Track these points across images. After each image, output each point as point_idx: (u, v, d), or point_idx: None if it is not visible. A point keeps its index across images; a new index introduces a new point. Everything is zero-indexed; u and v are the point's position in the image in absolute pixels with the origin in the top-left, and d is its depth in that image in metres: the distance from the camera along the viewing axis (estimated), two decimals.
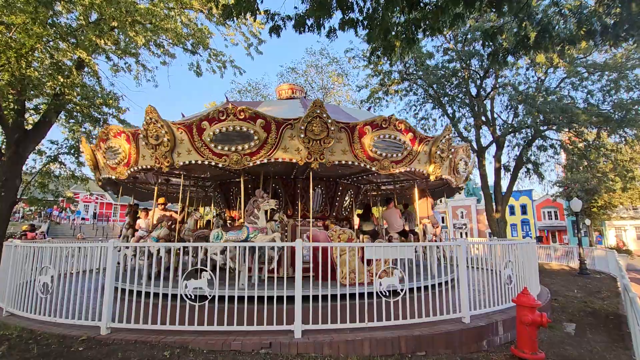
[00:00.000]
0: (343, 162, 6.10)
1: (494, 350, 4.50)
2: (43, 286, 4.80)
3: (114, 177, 7.16)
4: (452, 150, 7.40)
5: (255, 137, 5.69)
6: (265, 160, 5.86)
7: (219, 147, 5.75)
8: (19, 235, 13.13)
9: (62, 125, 13.17)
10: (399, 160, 6.43)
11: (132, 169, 6.63)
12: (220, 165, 5.90)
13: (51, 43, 10.20)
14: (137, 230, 8.22)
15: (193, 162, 5.94)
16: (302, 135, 5.66)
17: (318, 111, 5.55)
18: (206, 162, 5.90)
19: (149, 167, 6.40)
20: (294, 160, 5.90)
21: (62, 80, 9.71)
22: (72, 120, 12.89)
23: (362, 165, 6.19)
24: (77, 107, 11.89)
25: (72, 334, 4.28)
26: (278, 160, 5.91)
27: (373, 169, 6.27)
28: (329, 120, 5.63)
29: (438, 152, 6.75)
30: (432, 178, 7.01)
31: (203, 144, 5.81)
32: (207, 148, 5.81)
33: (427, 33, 4.32)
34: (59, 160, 13.29)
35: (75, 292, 4.98)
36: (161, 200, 8.71)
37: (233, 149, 5.73)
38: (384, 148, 6.20)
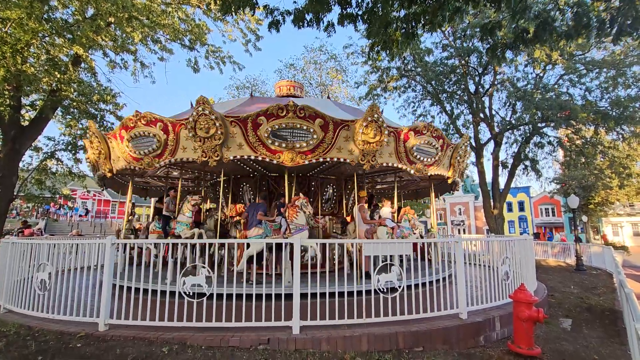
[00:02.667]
0: (390, 164, 6.44)
1: (491, 345, 4.53)
2: (41, 283, 4.79)
3: (135, 168, 6.62)
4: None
5: (315, 136, 5.80)
6: (169, 161, 6.02)
7: (276, 144, 5.78)
8: (15, 232, 13.07)
9: (59, 121, 13.10)
10: (430, 164, 6.91)
11: (167, 161, 6.25)
12: (274, 161, 5.90)
13: (47, 38, 10.12)
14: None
15: (245, 157, 5.92)
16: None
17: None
18: (259, 158, 5.90)
19: (190, 159, 6.14)
20: (347, 160, 6.08)
21: (58, 76, 9.64)
22: (69, 117, 12.82)
23: (404, 168, 6.60)
24: (74, 103, 11.83)
25: (70, 330, 4.28)
26: (327, 160, 6.08)
27: (412, 171, 6.68)
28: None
29: (458, 158, 7.39)
30: (449, 181, 7.72)
31: (257, 139, 5.80)
32: (261, 144, 5.81)
33: (427, 28, 4.30)
34: (56, 156, 13.23)
35: (73, 288, 4.98)
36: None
37: (290, 146, 5.78)
38: (421, 152, 6.69)
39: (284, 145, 5.76)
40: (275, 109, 5.65)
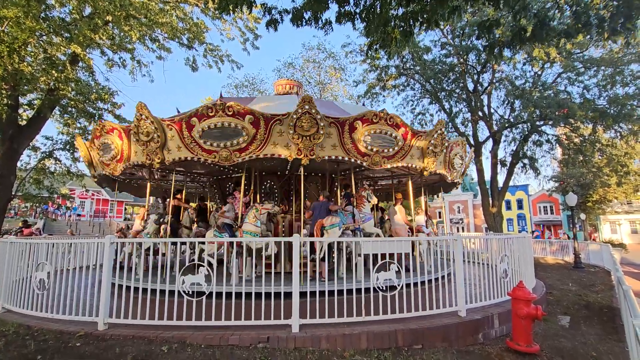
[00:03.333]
0: (333, 157, 6.08)
1: (489, 343, 4.55)
2: (39, 282, 4.78)
3: (107, 173, 7.18)
4: (446, 144, 7.38)
5: (244, 133, 5.68)
6: (254, 156, 5.86)
7: (208, 144, 5.76)
8: (15, 231, 13.02)
9: (57, 120, 13.05)
10: (391, 155, 6.40)
11: (124, 165, 6.63)
12: (209, 161, 5.92)
13: (44, 37, 10.07)
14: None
15: (183, 158, 5.96)
16: (292, 131, 5.64)
17: (307, 107, 5.53)
18: (195, 159, 5.92)
19: (140, 163, 6.40)
20: (283, 156, 5.88)
21: (56, 75, 9.60)
22: (67, 116, 12.77)
23: (353, 160, 6.17)
24: (72, 103, 11.78)
25: (69, 329, 4.27)
26: (267, 156, 5.90)
27: (364, 164, 6.24)
28: (319, 116, 5.61)
29: (431, 147, 6.70)
30: (426, 173, 6.98)
31: (192, 140, 5.82)
32: (196, 144, 5.83)
33: (425, 26, 4.30)
34: (54, 156, 13.18)
35: (72, 288, 4.97)
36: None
37: (222, 145, 5.74)
38: (375, 143, 6.14)
39: (215, 144, 5.76)
40: (205, 109, 5.68)
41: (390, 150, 6.33)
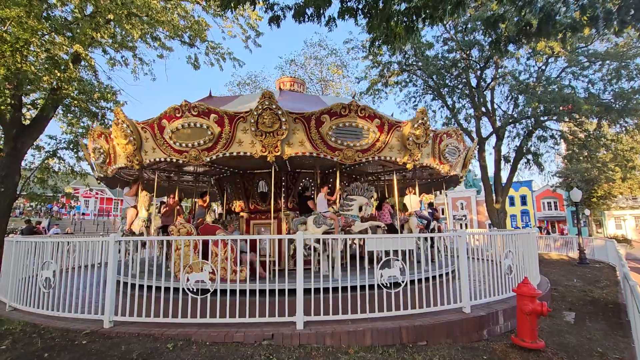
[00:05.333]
0: (301, 153, 5.94)
1: (494, 339, 4.54)
2: (45, 281, 4.82)
3: (102, 175, 7.49)
4: (432, 135, 6.92)
5: (210, 132, 5.72)
6: (221, 155, 5.89)
7: (178, 144, 5.86)
8: (26, 230, 13.01)
9: (60, 120, 13.10)
10: (365, 149, 6.09)
11: (113, 167, 6.88)
12: (180, 161, 6.01)
13: (46, 37, 10.08)
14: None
15: (158, 159, 6.09)
16: (254, 128, 5.61)
17: (267, 102, 5.47)
18: (169, 159, 6.02)
19: (123, 165, 6.55)
20: (249, 154, 5.86)
21: (58, 74, 9.61)
22: (70, 115, 12.81)
23: (323, 156, 5.98)
24: (75, 102, 11.80)
25: (75, 327, 4.30)
26: (233, 155, 5.90)
27: (335, 159, 6.02)
28: (280, 112, 5.55)
29: (412, 138, 6.22)
30: (409, 166, 6.55)
31: (164, 142, 5.92)
32: (168, 145, 5.92)
33: (428, 21, 4.26)
34: (58, 155, 13.24)
35: (78, 286, 5.01)
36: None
37: (190, 144, 5.81)
38: (345, 137, 5.90)
39: (184, 144, 5.87)
40: (172, 110, 5.78)
41: (364, 143, 6.03)
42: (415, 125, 6.19)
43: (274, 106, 5.49)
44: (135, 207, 7.84)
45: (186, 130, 5.79)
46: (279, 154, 5.74)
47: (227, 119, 5.72)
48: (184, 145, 5.85)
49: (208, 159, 5.91)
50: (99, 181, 8.67)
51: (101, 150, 7.00)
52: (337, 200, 7.15)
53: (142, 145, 6.11)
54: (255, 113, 5.52)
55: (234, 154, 5.88)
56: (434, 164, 7.30)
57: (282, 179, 8.24)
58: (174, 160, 6.03)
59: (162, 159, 6.09)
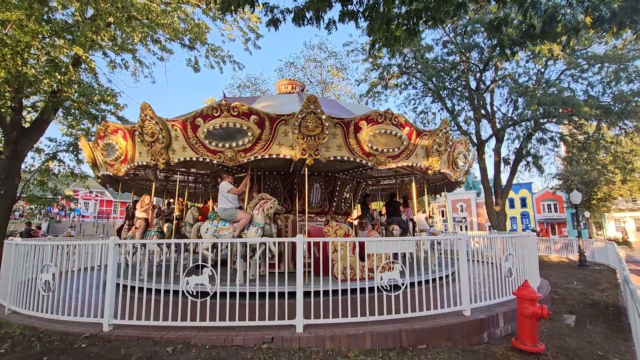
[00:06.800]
0: (338, 157, 6.06)
1: (494, 342, 4.52)
2: (45, 284, 4.81)
3: (111, 174, 7.17)
4: (450, 143, 7.36)
5: (250, 134, 5.67)
6: (259, 157, 5.84)
7: (213, 144, 5.75)
8: (25, 232, 13.02)
9: (60, 122, 13.12)
10: (396, 155, 6.36)
11: (129, 166, 6.62)
12: (215, 162, 5.89)
13: (47, 40, 10.12)
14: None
15: (188, 158, 5.94)
16: (297, 132, 5.62)
17: (312, 107, 5.50)
18: (201, 159, 5.90)
19: (145, 163, 6.38)
20: (288, 156, 5.86)
21: (59, 77, 9.63)
22: (70, 117, 12.83)
23: (358, 160, 6.15)
24: (75, 104, 11.82)
25: (74, 330, 4.29)
26: (272, 157, 5.88)
27: (369, 164, 6.20)
28: (323, 116, 5.58)
29: (435, 146, 6.65)
30: (430, 172, 6.95)
31: (197, 141, 5.80)
32: (201, 145, 5.80)
33: (429, 24, 4.27)
34: (58, 157, 13.25)
35: (77, 289, 4.99)
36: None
37: (227, 145, 5.72)
38: (379, 143, 6.12)
39: (220, 145, 5.78)
40: (210, 110, 5.65)
41: (396, 149, 6.30)
42: (440, 134, 6.57)
43: (318, 110, 5.53)
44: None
45: (223, 131, 5.69)
46: (318, 157, 5.78)
47: (268, 121, 5.69)
48: (220, 145, 5.74)
49: (245, 160, 5.84)
50: (99, 180, 8.58)
51: (115, 147, 6.66)
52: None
53: (171, 143, 5.92)
54: (299, 117, 5.54)
55: (273, 156, 5.86)
56: (448, 170, 7.67)
57: (294, 181, 8.33)
58: (207, 160, 5.90)
59: (194, 159, 5.92)
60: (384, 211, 9.50)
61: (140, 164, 6.49)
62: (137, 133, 6.11)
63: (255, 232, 6.29)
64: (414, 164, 6.73)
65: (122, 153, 6.63)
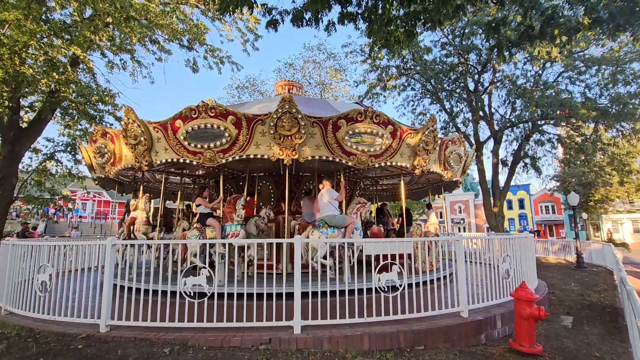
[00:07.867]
0: (317, 157, 5.97)
1: (492, 343, 4.53)
2: (41, 284, 4.78)
3: (103, 176, 7.35)
4: (439, 142, 7.12)
5: (227, 134, 5.69)
6: (237, 157, 5.85)
7: (192, 145, 5.78)
8: (20, 232, 12.95)
9: (58, 122, 13.08)
10: (379, 154, 6.18)
11: (117, 168, 6.75)
12: (194, 162, 5.92)
13: (45, 39, 10.09)
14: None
15: (169, 160, 5.99)
16: (273, 132, 5.61)
17: (287, 106, 5.48)
18: (182, 160, 5.94)
19: (130, 166, 6.46)
20: (265, 156, 5.85)
21: (56, 77, 9.61)
22: (68, 118, 12.79)
23: (338, 160, 6.03)
24: (73, 105, 11.79)
25: (71, 332, 4.27)
26: (250, 157, 5.88)
27: (350, 163, 6.09)
28: (299, 116, 5.56)
29: (422, 145, 6.42)
30: (417, 172, 6.72)
31: (178, 142, 5.84)
32: (181, 146, 5.85)
33: (428, 26, 4.28)
34: (55, 158, 13.21)
35: (74, 290, 4.97)
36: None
37: (206, 146, 5.75)
38: (360, 142, 6.00)
39: (199, 146, 5.80)
40: (188, 111, 5.68)
41: (377, 149, 6.14)
42: (426, 133, 6.37)
43: (293, 110, 5.51)
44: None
45: (202, 132, 5.72)
46: (296, 157, 5.75)
47: (244, 121, 5.69)
48: (199, 146, 5.77)
49: (224, 161, 5.85)
50: (96, 182, 8.58)
51: (105, 150, 6.85)
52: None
53: (154, 145, 5.99)
54: (274, 116, 5.53)
55: (251, 156, 5.85)
56: (439, 170, 7.46)
57: (288, 182, 8.27)
58: (187, 161, 5.93)
59: (175, 160, 5.96)
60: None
61: (127, 166, 6.58)
62: (122, 136, 6.24)
63: (358, 234, 6.50)
64: (399, 164, 6.52)
65: (110, 156, 6.79)
